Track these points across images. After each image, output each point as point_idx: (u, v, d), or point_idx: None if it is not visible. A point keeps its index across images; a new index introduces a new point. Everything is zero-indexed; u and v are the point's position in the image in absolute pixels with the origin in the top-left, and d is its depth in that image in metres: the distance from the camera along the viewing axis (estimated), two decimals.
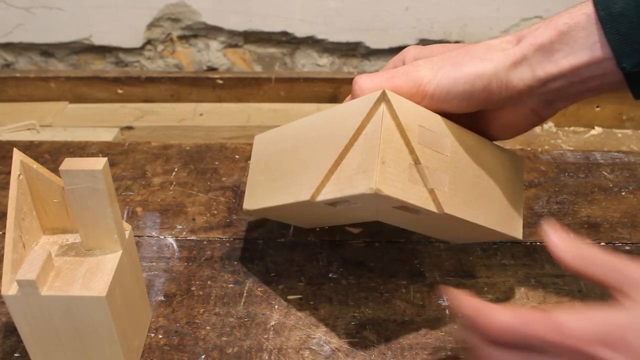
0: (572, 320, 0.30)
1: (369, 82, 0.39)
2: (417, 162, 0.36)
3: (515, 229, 0.42)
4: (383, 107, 0.35)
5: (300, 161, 0.40)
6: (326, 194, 0.37)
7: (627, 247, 0.52)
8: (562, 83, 0.39)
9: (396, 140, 0.35)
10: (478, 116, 0.43)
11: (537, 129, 0.82)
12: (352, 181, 0.35)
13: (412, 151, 0.35)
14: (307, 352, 0.42)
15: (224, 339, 0.43)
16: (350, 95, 0.41)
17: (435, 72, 0.38)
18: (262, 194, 0.44)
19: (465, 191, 0.38)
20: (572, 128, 0.83)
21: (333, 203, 0.38)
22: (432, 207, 0.36)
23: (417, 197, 0.36)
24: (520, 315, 0.31)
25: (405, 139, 0.35)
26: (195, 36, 0.90)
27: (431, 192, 0.36)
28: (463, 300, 0.34)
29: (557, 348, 0.30)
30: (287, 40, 0.88)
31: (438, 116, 0.38)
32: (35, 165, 0.37)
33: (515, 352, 0.32)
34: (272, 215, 0.49)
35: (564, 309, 0.31)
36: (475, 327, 0.33)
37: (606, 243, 0.52)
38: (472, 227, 0.40)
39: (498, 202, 0.41)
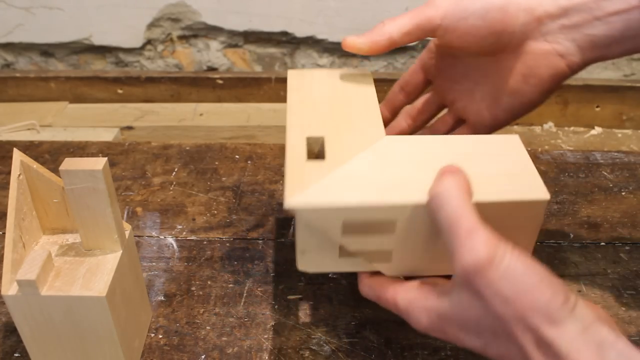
0: (411, 314, 0.33)
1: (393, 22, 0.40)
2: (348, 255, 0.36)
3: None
4: (296, 218, 0.34)
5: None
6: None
7: (627, 247, 0.52)
8: (585, 17, 0.36)
9: (313, 239, 0.35)
10: (497, 66, 0.41)
11: (537, 129, 0.82)
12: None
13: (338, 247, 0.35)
14: (307, 352, 0.42)
15: (224, 339, 0.43)
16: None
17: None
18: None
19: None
20: (572, 128, 0.83)
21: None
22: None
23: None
24: (375, 289, 0.36)
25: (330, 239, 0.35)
26: (195, 36, 0.90)
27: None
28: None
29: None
30: (287, 40, 0.88)
31: None
32: (35, 165, 0.37)
33: None
34: None
35: (405, 295, 0.34)
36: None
37: (606, 243, 0.52)
38: None
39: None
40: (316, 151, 0.37)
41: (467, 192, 0.31)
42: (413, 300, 0.33)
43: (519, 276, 0.28)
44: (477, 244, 0.29)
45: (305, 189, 0.33)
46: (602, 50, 0.38)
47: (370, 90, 0.43)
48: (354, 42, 0.41)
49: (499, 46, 0.40)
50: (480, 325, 0.30)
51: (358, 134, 0.38)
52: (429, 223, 0.33)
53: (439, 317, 0.32)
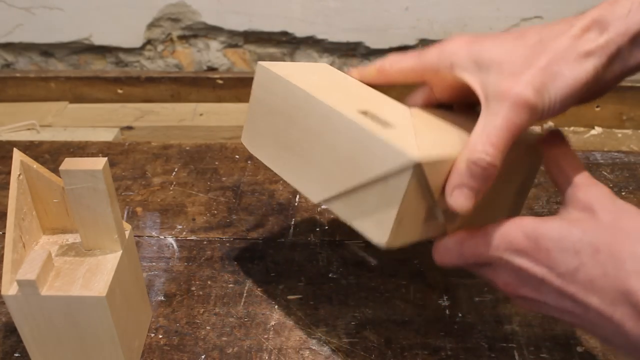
0: (496, 230, 0.34)
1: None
2: (435, 205, 0.35)
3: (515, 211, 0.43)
4: (411, 174, 0.32)
5: (311, 150, 0.38)
6: (334, 209, 0.36)
7: None
8: None
9: (415, 202, 0.34)
10: None
11: (537, 129, 0.82)
12: (364, 220, 0.35)
13: (432, 195, 0.35)
14: (307, 352, 0.42)
15: (224, 339, 0.43)
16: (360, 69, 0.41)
17: (538, 91, 0.33)
18: (265, 149, 0.42)
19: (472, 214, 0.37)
20: (572, 128, 0.83)
21: None
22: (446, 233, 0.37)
23: (429, 234, 0.37)
24: (459, 239, 0.36)
25: (425, 201, 0.35)
26: (195, 36, 0.90)
27: (443, 225, 0.37)
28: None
29: (487, 260, 0.35)
30: (287, 40, 0.88)
31: None
32: (35, 165, 0.37)
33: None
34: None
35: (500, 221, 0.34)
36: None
37: None
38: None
39: (500, 212, 0.42)
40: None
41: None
42: (508, 222, 0.34)
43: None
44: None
45: (416, 146, 0.33)
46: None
47: (349, 77, 0.43)
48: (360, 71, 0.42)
49: None
50: (583, 241, 0.31)
51: (389, 108, 0.38)
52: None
53: (537, 230, 0.32)
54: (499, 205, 0.42)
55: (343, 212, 0.36)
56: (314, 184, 0.37)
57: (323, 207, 0.36)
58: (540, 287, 0.32)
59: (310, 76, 0.41)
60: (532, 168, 0.43)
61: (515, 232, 0.33)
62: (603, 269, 0.30)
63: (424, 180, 0.33)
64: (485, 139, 0.33)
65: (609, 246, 0.30)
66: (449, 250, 0.37)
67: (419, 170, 0.32)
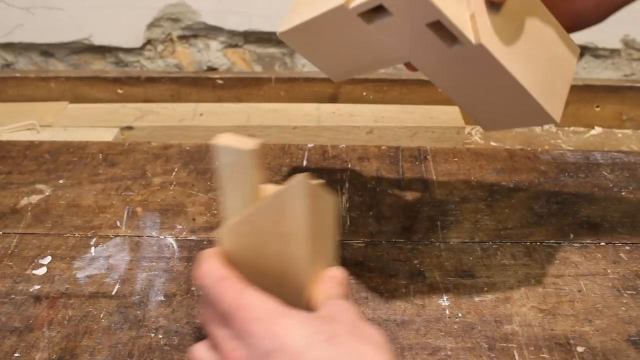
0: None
1: None
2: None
3: (555, 108, 0.40)
4: None
5: None
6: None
7: (627, 247, 0.52)
8: None
9: None
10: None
11: (537, 129, 0.82)
12: None
13: None
14: None
15: None
16: None
17: None
18: (297, 15, 0.42)
19: (508, 38, 0.36)
20: (572, 128, 0.83)
21: (367, 19, 0.37)
22: (468, 33, 0.34)
23: (457, 16, 0.34)
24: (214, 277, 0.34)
25: None
26: (195, 36, 0.91)
27: (472, 17, 0.34)
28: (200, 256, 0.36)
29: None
30: None
31: None
32: None
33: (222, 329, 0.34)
34: (305, 50, 0.45)
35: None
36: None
37: (606, 243, 0.52)
38: (507, 90, 0.38)
39: (542, 72, 0.39)
40: None
41: None
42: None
43: None
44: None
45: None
46: None
47: None
48: None
49: None
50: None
51: None
52: None
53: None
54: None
55: None
56: None
57: (349, 7, 0.37)
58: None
59: None
60: (570, 60, 0.42)
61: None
62: None
63: None
64: None
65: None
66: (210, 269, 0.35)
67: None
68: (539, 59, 0.39)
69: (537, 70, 0.38)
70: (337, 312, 0.33)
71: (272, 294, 0.34)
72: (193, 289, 0.48)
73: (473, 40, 0.34)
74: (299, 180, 0.32)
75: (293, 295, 0.37)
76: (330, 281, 0.37)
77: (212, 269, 0.35)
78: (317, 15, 0.39)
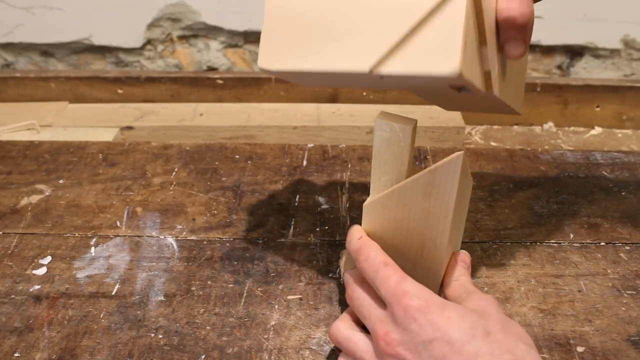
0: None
1: None
2: (483, 43, 0.34)
3: (519, 104, 0.43)
4: None
5: (349, 21, 0.35)
6: (390, 68, 0.33)
7: (627, 247, 0.52)
8: None
9: (472, 20, 0.33)
10: None
11: (537, 129, 0.82)
12: (428, 61, 0.32)
13: (482, 32, 0.34)
14: (307, 352, 0.42)
15: (224, 339, 0.43)
16: None
17: None
18: (290, 56, 0.38)
19: (502, 72, 0.37)
20: (572, 128, 0.83)
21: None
22: (488, 89, 0.36)
23: (480, 80, 0.34)
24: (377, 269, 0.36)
25: (479, 20, 0.33)
26: (195, 36, 0.91)
27: (487, 74, 0.35)
28: (353, 236, 0.40)
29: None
30: None
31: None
32: None
33: (371, 294, 0.37)
34: (294, 78, 0.41)
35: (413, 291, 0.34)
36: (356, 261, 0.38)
37: (606, 243, 0.52)
38: (494, 104, 0.40)
39: (515, 81, 0.41)
40: None
41: None
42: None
43: None
44: None
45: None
46: None
47: None
48: None
49: None
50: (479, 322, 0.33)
51: None
52: None
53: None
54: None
55: (401, 66, 0.33)
56: (360, 54, 0.34)
57: (377, 73, 0.34)
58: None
59: None
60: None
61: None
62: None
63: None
64: None
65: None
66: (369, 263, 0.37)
67: None
68: (513, 72, 0.40)
69: (512, 83, 0.40)
70: (487, 307, 0.34)
71: (406, 272, 0.36)
72: (193, 289, 0.48)
73: (492, 93, 0.36)
74: (456, 157, 0.35)
75: (426, 274, 0.40)
76: (460, 264, 0.40)
77: (374, 253, 0.37)
78: (327, 71, 0.36)
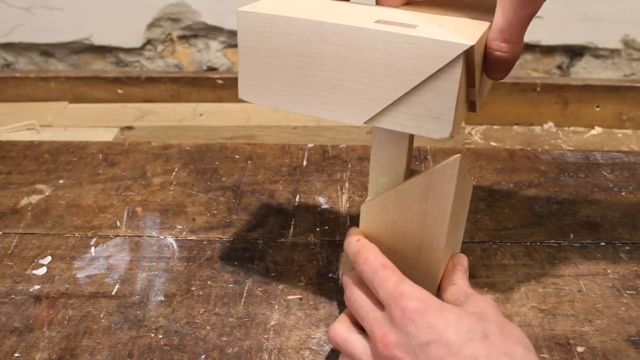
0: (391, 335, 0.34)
1: None
2: (471, 85, 0.35)
3: (480, 103, 0.43)
4: (462, 61, 0.32)
5: (338, 77, 0.35)
6: (384, 124, 0.35)
7: (627, 247, 0.52)
8: None
9: (463, 87, 0.34)
10: None
11: (537, 129, 0.82)
12: (421, 123, 0.34)
13: (471, 78, 0.34)
14: (307, 352, 0.42)
15: (224, 339, 0.43)
16: None
17: None
18: (274, 94, 0.38)
19: (480, 85, 0.38)
20: (572, 128, 0.83)
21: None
22: (471, 111, 0.38)
23: (465, 116, 0.36)
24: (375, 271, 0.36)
25: (469, 79, 0.34)
26: (195, 36, 0.91)
27: (471, 102, 0.37)
28: (351, 238, 0.40)
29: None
30: None
31: None
32: None
33: (369, 297, 0.37)
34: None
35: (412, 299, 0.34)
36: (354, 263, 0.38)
37: (606, 243, 0.52)
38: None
39: (486, 84, 0.42)
40: None
41: None
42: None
43: None
44: None
45: (455, 34, 0.33)
46: None
47: None
48: None
49: None
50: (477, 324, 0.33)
51: (393, 12, 0.38)
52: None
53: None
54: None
55: (394, 124, 0.35)
56: (350, 109, 0.36)
57: (371, 124, 0.35)
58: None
59: (297, 6, 0.37)
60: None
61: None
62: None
63: (471, 63, 0.33)
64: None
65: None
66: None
67: (470, 53, 0.32)
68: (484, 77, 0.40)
69: (484, 87, 0.40)
70: (485, 309, 0.34)
71: (404, 274, 0.36)
72: (193, 289, 0.48)
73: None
74: (454, 160, 0.35)
75: (423, 276, 0.40)
76: (458, 267, 0.40)
77: (372, 255, 0.37)
78: (329, 119, 0.37)
